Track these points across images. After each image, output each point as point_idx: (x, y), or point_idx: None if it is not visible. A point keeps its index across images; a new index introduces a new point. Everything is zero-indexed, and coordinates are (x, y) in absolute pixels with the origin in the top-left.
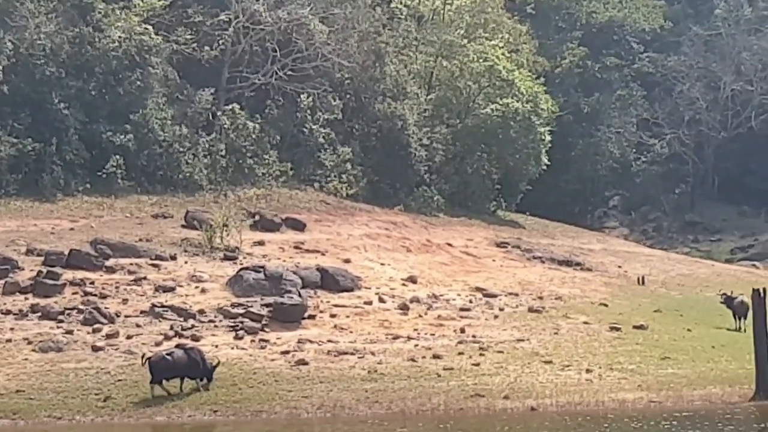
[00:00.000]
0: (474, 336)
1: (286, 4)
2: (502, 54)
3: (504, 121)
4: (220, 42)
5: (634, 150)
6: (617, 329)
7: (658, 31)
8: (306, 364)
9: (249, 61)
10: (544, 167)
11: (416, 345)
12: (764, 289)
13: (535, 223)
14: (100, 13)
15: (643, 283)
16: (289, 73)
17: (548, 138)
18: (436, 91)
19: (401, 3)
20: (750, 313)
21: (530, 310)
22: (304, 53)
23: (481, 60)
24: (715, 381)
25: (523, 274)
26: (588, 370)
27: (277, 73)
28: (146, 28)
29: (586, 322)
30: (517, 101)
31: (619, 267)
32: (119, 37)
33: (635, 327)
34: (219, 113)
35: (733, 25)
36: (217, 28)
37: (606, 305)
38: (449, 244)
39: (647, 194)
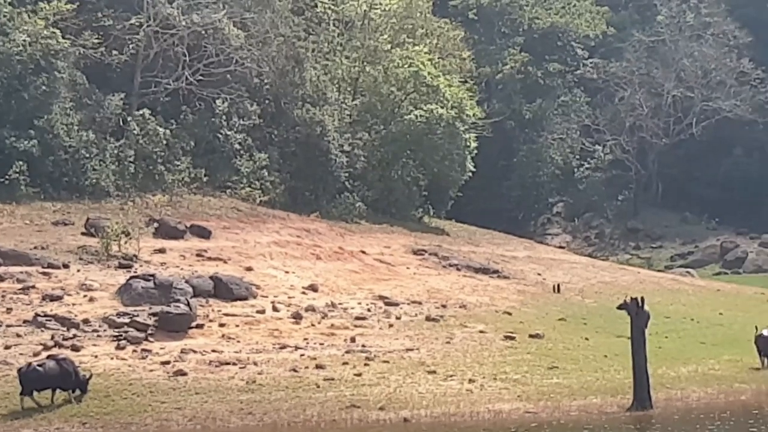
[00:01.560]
0: (363, 345)
1: (200, 8)
2: (428, 59)
3: (428, 127)
4: (131, 46)
5: (577, 156)
6: (512, 338)
7: (601, 38)
8: (185, 374)
9: (163, 65)
10: (470, 174)
11: (302, 355)
12: (642, 298)
13: (463, 230)
14: (5, 16)
15: (558, 290)
16: (201, 78)
17: (474, 144)
18: (360, 96)
19: (328, 8)
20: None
21: (428, 318)
22: (216, 58)
23: (406, 65)
24: (598, 391)
25: (435, 282)
26: (471, 380)
27: (188, 79)
28: (53, 32)
29: (482, 331)
30: (442, 107)
31: (539, 275)
32: (24, 40)
33: (531, 336)
34: (130, 118)
35: (675, 31)
36: (128, 32)
37: (510, 314)
38: (363, 252)
39: (590, 201)
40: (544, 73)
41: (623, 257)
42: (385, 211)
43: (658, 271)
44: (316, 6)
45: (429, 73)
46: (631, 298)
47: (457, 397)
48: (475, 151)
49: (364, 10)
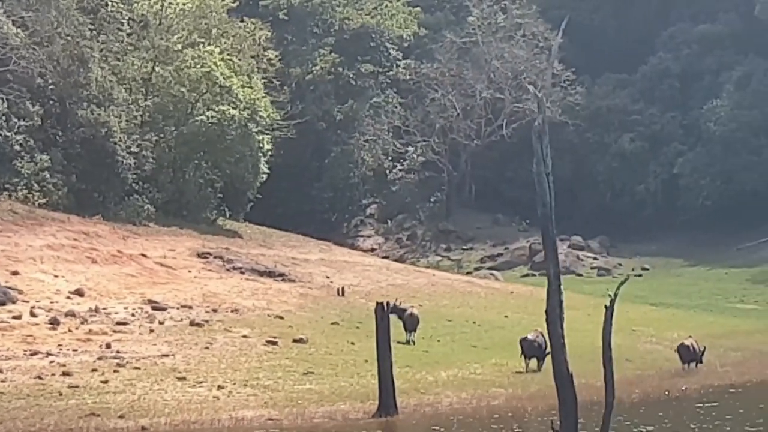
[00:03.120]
0: (118, 351)
1: None
2: (221, 60)
3: (220, 128)
4: None
5: (390, 158)
6: (274, 343)
7: (415, 39)
8: None
9: None
10: (264, 175)
11: (52, 362)
12: (388, 303)
13: (259, 232)
14: None
15: (342, 294)
16: None
17: (268, 146)
18: (152, 97)
19: (119, 7)
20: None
21: (192, 323)
22: None
23: (198, 66)
24: (349, 397)
25: (214, 286)
26: (220, 387)
27: None
28: None
29: (245, 336)
30: (234, 108)
31: (328, 277)
32: None
33: (295, 341)
34: None
35: (487, 33)
36: None
37: (282, 318)
38: (144, 255)
39: (403, 202)
40: (357, 73)
41: (434, 259)
42: (177, 214)
43: (467, 273)
44: (107, 5)
45: (221, 74)
46: (377, 303)
47: (202, 404)
48: (270, 153)
49: (157, 10)
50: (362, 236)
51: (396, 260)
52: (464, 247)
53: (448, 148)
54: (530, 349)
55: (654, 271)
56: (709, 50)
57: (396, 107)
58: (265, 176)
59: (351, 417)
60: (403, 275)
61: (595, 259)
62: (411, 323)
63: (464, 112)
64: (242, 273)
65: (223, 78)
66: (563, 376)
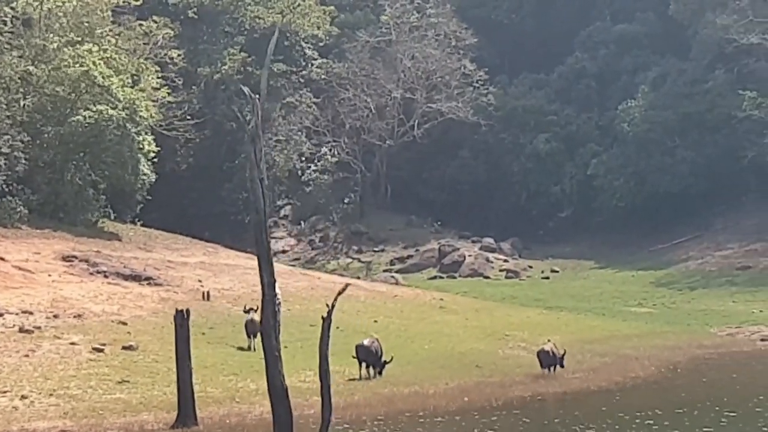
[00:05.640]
0: None
1: None
2: (101, 59)
3: (98, 128)
4: None
5: (303, 159)
6: (100, 350)
7: (331, 39)
8: None
9: None
10: (144, 177)
11: None
12: (188, 310)
13: (144, 234)
14: None
15: (207, 298)
16: None
17: (150, 147)
18: (30, 96)
19: (1, 3)
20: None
21: (21, 330)
22: None
23: (77, 65)
24: (157, 407)
25: (69, 291)
26: (24, 397)
27: None
28: None
29: (73, 343)
30: (113, 108)
31: (200, 281)
32: None
33: (124, 348)
34: None
35: (400, 32)
36: None
37: (125, 323)
38: (1, 259)
39: (318, 204)
40: (269, 73)
41: (345, 261)
42: (53, 216)
43: (374, 275)
44: None
45: (101, 73)
46: (177, 311)
47: None
48: (152, 154)
49: (37, 7)
50: (275, 238)
51: (307, 262)
52: (375, 249)
53: (362, 148)
54: (365, 355)
55: (563, 274)
56: (626, 50)
57: (310, 107)
58: (149, 178)
59: (148, 428)
60: (284, 278)
61: (505, 261)
62: (252, 328)
63: (378, 112)
64: (106, 277)
65: (102, 77)
66: (277, 390)
